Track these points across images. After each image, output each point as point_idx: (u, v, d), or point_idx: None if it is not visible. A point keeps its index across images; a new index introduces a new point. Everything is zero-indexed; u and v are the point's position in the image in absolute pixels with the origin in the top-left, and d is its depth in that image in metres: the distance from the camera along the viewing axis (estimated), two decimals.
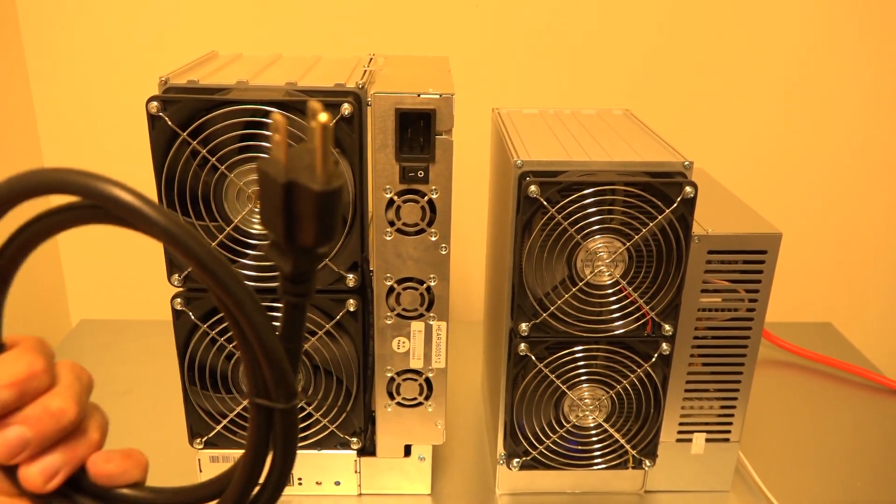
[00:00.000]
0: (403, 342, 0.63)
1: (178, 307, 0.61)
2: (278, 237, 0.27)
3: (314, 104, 0.25)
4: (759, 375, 0.91)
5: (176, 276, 0.60)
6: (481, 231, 0.89)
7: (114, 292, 1.03)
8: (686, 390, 0.66)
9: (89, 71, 0.93)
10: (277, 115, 0.26)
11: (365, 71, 0.63)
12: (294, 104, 0.55)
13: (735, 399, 0.67)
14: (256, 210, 0.58)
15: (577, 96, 0.98)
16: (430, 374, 0.64)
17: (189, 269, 0.59)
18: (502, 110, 0.74)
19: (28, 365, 0.30)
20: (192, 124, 0.55)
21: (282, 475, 0.31)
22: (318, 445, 0.66)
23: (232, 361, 0.62)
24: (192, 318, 0.61)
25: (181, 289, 0.61)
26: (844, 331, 1.00)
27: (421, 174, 0.57)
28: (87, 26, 0.91)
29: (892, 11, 0.97)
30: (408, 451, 0.67)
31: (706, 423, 0.68)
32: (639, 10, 0.95)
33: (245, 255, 0.59)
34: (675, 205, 0.56)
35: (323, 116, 0.25)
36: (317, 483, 0.68)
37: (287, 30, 0.94)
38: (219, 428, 0.64)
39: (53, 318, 1.01)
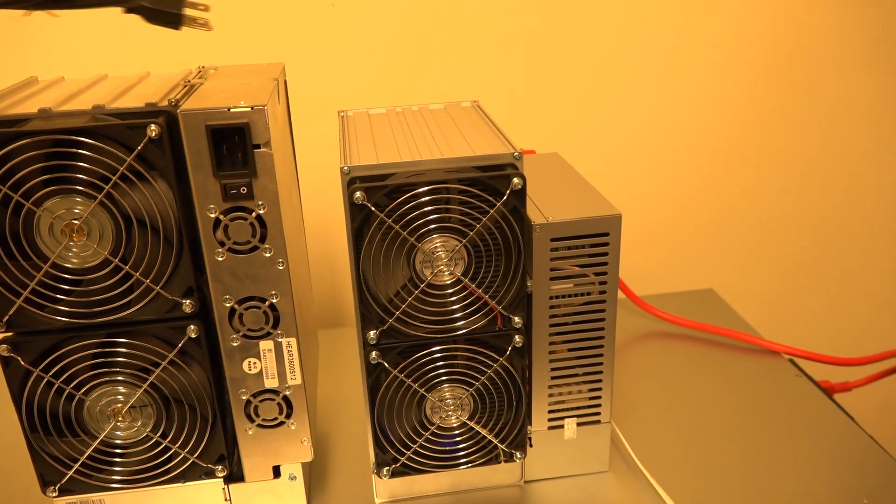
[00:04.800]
0: (254, 363, 0.61)
1: (6, 353, 0.57)
2: None
3: None
4: (641, 349, 0.93)
5: None
6: None
7: None
8: (553, 378, 0.66)
9: None
10: None
11: (185, 86, 0.60)
12: (99, 130, 0.53)
13: (600, 381, 0.67)
14: (73, 243, 0.55)
15: (433, 90, 0.97)
16: (287, 392, 0.62)
17: (11, 312, 0.56)
18: (349, 112, 0.73)
19: None
20: None
21: None
22: (182, 478, 0.63)
23: (74, 402, 0.59)
24: (23, 363, 0.57)
25: (7, 334, 0.57)
26: (725, 296, 1.02)
27: (244, 190, 0.55)
28: None
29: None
30: (277, 471, 0.66)
31: (576, 408, 0.68)
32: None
33: (62, 292, 0.56)
34: (506, 197, 0.56)
35: None
36: None
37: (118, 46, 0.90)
38: (71, 473, 0.61)
39: None
